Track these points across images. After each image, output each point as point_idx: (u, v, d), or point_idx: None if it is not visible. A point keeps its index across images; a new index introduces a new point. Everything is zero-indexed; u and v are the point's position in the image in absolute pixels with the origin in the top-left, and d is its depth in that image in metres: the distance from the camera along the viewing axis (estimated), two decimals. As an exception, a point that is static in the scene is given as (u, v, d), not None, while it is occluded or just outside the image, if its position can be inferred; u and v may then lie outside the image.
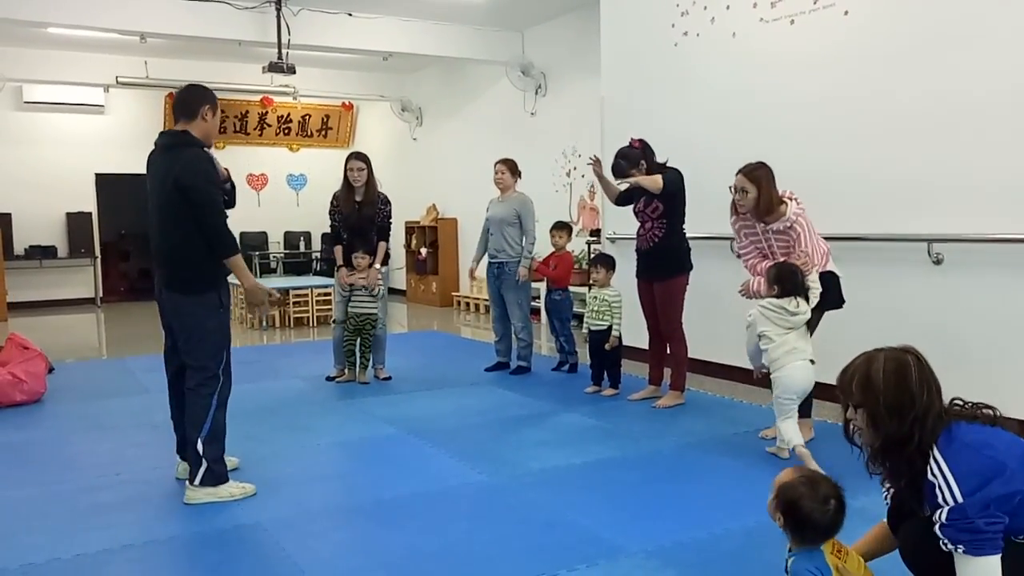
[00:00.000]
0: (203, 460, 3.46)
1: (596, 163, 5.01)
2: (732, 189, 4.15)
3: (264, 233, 13.41)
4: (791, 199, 4.11)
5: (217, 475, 3.49)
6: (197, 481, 3.46)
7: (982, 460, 1.89)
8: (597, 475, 3.75)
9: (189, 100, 3.53)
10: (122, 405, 5.32)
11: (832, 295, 4.06)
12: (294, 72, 8.44)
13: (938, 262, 4.44)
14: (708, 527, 3.07)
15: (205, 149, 3.54)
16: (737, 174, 4.12)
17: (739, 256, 4.39)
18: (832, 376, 4.75)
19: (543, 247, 6.59)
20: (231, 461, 3.73)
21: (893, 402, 1.97)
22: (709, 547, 2.90)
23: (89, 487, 3.67)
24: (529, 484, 3.62)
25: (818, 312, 4.05)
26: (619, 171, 4.93)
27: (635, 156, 4.90)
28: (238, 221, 12.97)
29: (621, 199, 5.20)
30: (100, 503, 3.47)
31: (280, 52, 8.24)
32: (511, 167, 6.02)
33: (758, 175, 4.04)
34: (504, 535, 3.06)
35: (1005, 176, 4.17)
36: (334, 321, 5.94)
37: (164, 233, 3.49)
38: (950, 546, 1.87)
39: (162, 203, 3.46)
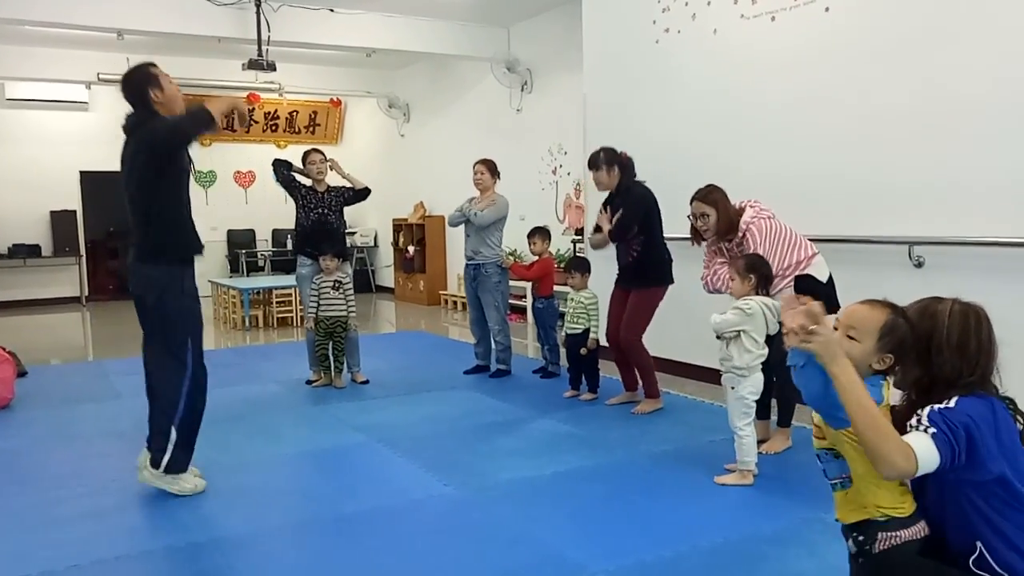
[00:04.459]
0: (170, 445, 3.45)
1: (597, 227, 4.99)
2: (692, 218, 4.08)
3: (251, 231, 13.30)
4: (751, 206, 4.02)
5: (180, 464, 3.51)
6: (162, 467, 3.46)
7: (980, 418, 1.80)
8: (566, 487, 3.65)
9: (132, 88, 3.48)
10: (92, 412, 5.22)
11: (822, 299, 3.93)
12: (274, 69, 8.32)
13: (919, 265, 4.35)
14: (674, 544, 2.98)
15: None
16: (692, 201, 4.07)
17: (710, 287, 4.17)
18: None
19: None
20: (198, 484, 3.61)
21: (959, 339, 1.89)
22: (673, 567, 2.80)
23: (45, 501, 3.57)
24: (496, 497, 3.52)
25: None
26: (592, 159, 4.89)
27: (613, 157, 4.81)
28: (225, 219, 13.10)
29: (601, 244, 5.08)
30: (54, 518, 3.36)
31: (260, 49, 8.11)
32: (490, 167, 5.92)
33: (714, 197, 3.99)
34: (465, 553, 2.97)
35: (988, 177, 4.07)
36: (306, 326, 5.83)
37: (133, 203, 3.45)
38: (924, 423, 1.79)
39: (132, 175, 3.43)
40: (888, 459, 1.74)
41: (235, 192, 13.31)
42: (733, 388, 3.64)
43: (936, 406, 1.82)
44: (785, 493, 3.48)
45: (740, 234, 3.92)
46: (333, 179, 5.88)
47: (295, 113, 13.27)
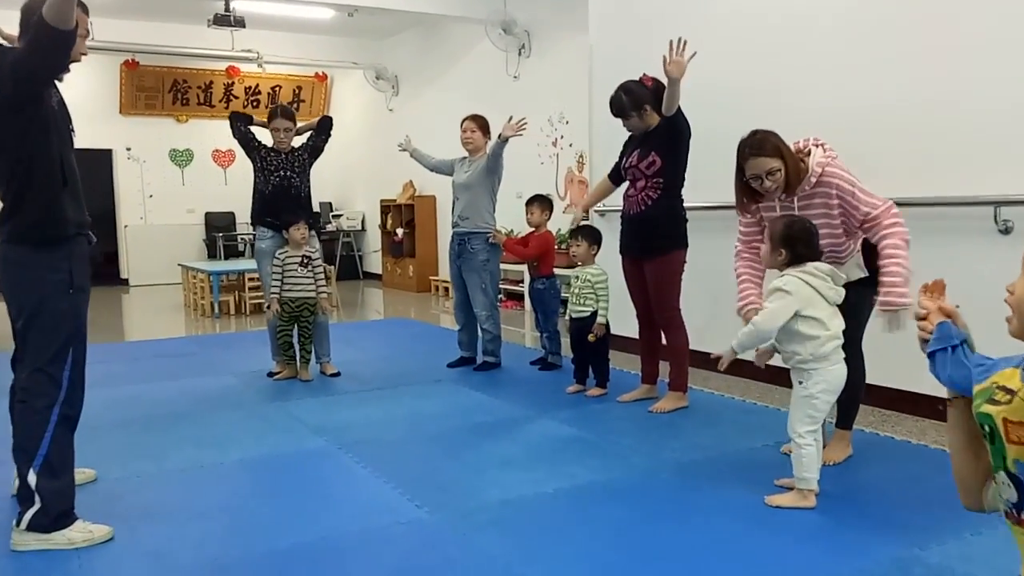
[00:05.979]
0: (36, 497, 2.54)
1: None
2: (755, 180, 3.00)
3: (231, 213, 12.46)
4: (815, 144, 3.07)
5: (56, 516, 2.57)
6: (25, 524, 2.54)
7: None
8: (572, 510, 2.83)
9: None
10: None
11: None
12: (243, 26, 7.49)
13: (1007, 231, 3.53)
14: (723, 597, 2.17)
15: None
16: (750, 158, 2.98)
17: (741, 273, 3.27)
18: (875, 376, 3.66)
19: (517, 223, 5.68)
20: (86, 473, 2.81)
21: None
22: (726, 634, 2.00)
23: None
24: (481, 524, 2.70)
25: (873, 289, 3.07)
26: (617, 107, 4.01)
27: (641, 95, 3.97)
28: (203, 199, 12.25)
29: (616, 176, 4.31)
30: None
31: (227, 3, 7.27)
32: (481, 125, 5.10)
33: (775, 144, 2.97)
34: (435, 608, 2.16)
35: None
36: (268, 308, 5.01)
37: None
38: None
39: None
40: None
41: (213, 172, 12.47)
42: (801, 383, 2.80)
43: None
44: (860, 520, 2.66)
45: (813, 183, 2.99)
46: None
47: (278, 88, 12.41)
